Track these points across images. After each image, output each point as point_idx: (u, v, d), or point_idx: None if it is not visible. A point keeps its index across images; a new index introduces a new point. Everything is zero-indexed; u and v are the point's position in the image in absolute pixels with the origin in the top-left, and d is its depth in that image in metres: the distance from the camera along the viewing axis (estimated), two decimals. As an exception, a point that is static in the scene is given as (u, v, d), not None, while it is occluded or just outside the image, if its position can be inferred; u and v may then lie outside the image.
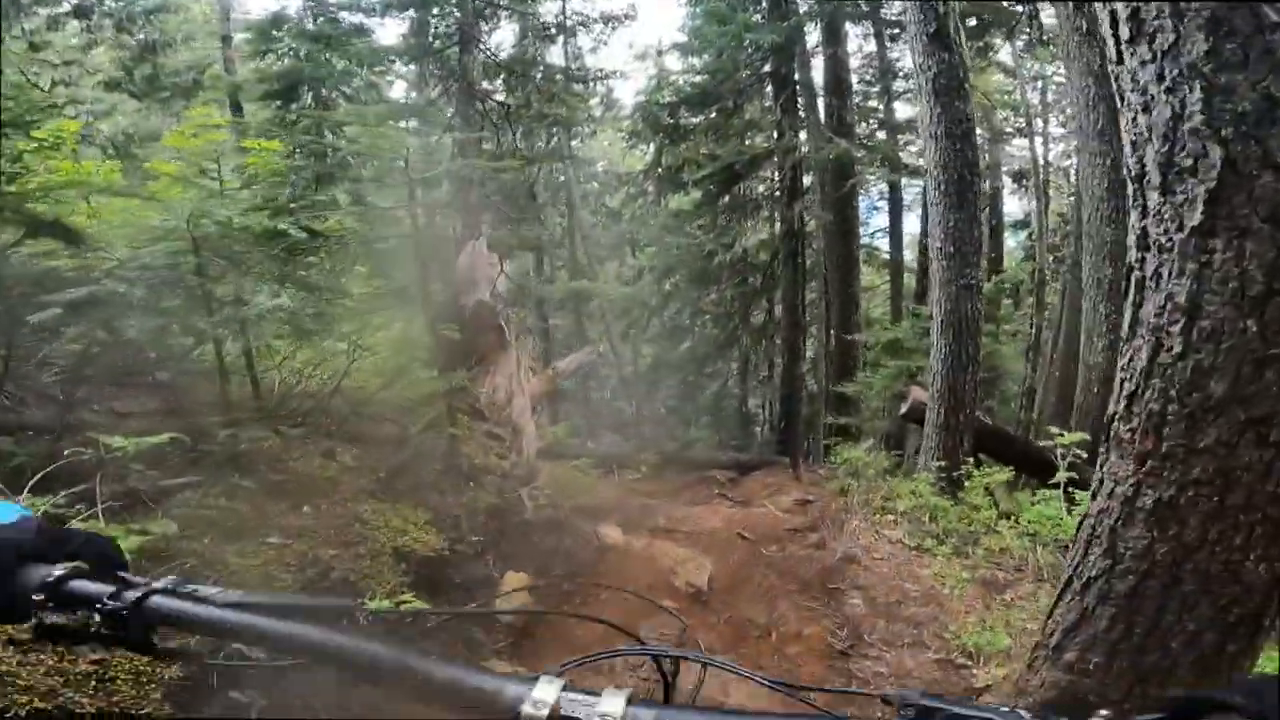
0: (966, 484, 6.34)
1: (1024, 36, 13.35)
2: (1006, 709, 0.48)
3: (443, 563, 3.40)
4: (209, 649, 0.83)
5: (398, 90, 13.21)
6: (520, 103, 11.83)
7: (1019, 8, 11.88)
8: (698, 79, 12.67)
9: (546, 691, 0.52)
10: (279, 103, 7.92)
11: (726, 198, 13.30)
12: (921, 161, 14.06)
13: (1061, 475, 4.86)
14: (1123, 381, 1.79)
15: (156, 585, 0.66)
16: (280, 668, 0.67)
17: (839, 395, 12.15)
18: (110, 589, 0.65)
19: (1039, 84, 16.25)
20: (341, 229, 3.74)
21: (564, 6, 14.99)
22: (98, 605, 0.64)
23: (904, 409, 7.78)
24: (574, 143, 17.65)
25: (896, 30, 13.08)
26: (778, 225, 14.20)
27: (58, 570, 0.66)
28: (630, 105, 16.34)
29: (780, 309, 13.84)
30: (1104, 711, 0.48)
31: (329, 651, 0.60)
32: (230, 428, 3.13)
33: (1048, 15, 11.81)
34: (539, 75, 12.92)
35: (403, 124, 9.79)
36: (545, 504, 4.31)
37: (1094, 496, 1.90)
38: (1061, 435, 5.04)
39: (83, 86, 9.08)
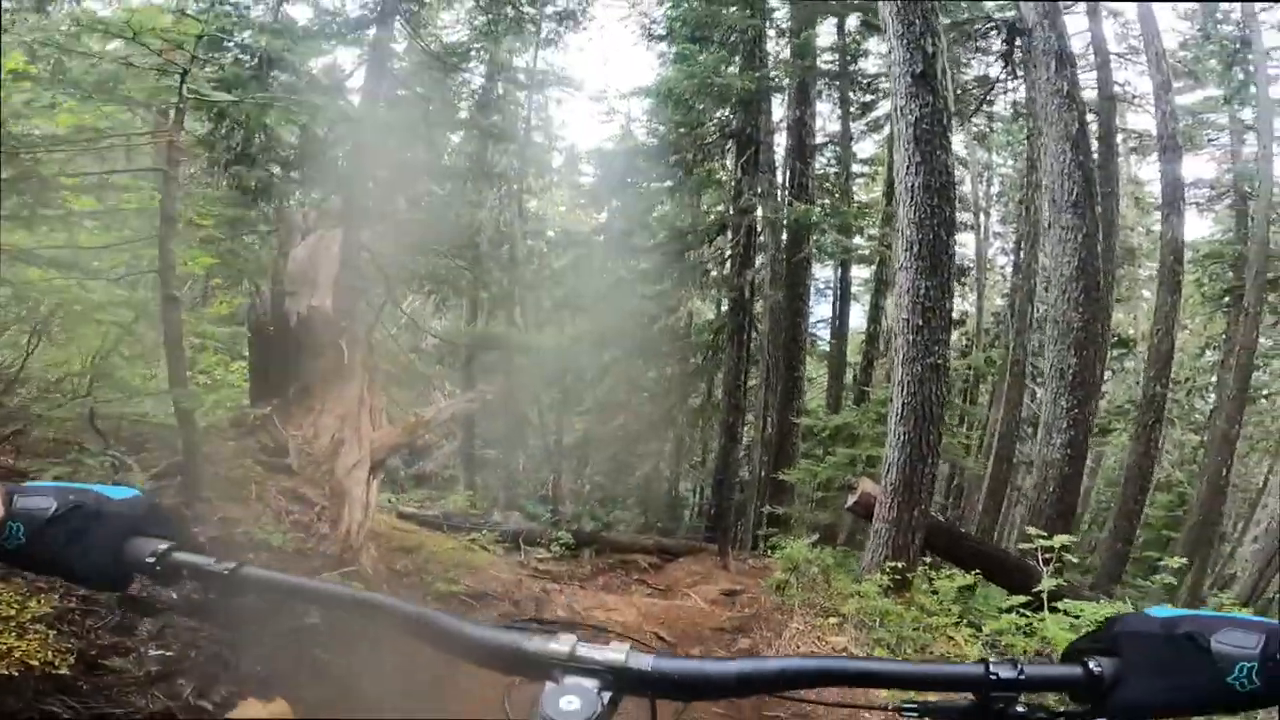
0: (918, 585, 5.50)
1: (979, 120, 13.59)
2: None
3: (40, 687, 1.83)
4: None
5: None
6: (445, 100, 10.93)
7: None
8: (660, 129, 12.28)
9: (565, 641, 0.65)
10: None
11: (677, 271, 12.76)
12: (870, 251, 14.19)
13: (1047, 584, 4.05)
14: None
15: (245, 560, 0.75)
16: None
17: (775, 484, 11.36)
18: (211, 559, 0.73)
19: (985, 175, 16.70)
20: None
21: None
22: (204, 569, 0.73)
23: (851, 501, 7.01)
24: (530, 202, 17.13)
25: (871, 96, 13.10)
26: (724, 304, 13.74)
27: (163, 545, 0.73)
28: (587, 154, 15.88)
29: (720, 392, 13.19)
30: None
31: (388, 612, 0.71)
32: None
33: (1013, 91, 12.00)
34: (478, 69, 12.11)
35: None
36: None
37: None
38: (1045, 537, 4.23)
39: None
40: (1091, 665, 0.62)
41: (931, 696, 0.65)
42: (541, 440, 15.98)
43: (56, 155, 2.53)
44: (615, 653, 0.64)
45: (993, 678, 0.61)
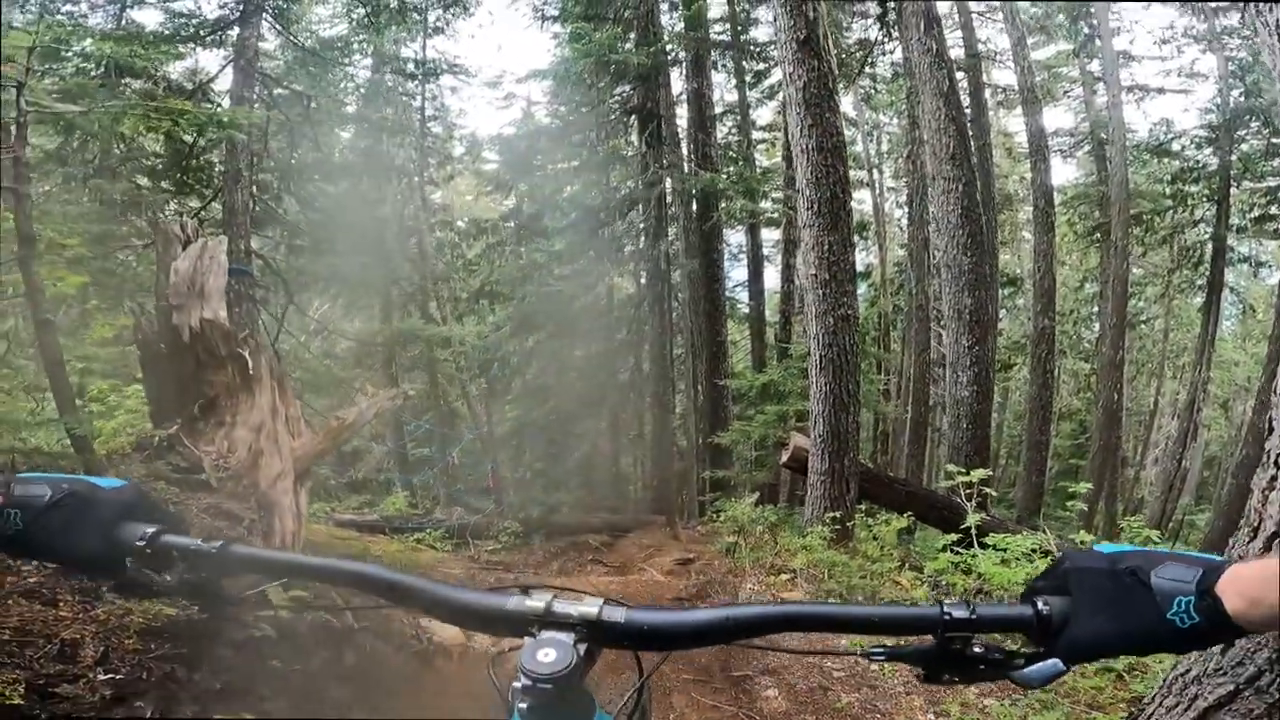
0: (860, 534, 5.78)
1: (864, 82, 14.05)
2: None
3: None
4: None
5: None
6: (323, 95, 10.47)
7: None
8: (562, 109, 12.15)
9: (541, 598, 0.69)
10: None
11: (592, 249, 12.72)
12: (777, 214, 14.59)
13: (972, 519, 4.33)
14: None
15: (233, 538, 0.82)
16: None
17: (713, 448, 11.67)
18: (198, 540, 0.75)
19: (874, 134, 17.42)
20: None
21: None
22: (192, 549, 0.75)
23: (785, 457, 7.25)
24: (436, 193, 16.60)
25: (761, 65, 13.33)
26: (644, 278, 13.85)
27: (151, 528, 0.76)
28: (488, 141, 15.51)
29: (647, 364, 13.33)
30: None
31: (373, 581, 0.74)
32: None
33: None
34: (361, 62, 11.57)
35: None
36: (315, 601, 2.84)
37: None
38: (963, 473, 4.54)
39: None
40: (1040, 605, 0.64)
41: (889, 640, 0.68)
42: (475, 433, 15.77)
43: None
44: (589, 607, 0.67)
45: (947, 618, 0.63)
